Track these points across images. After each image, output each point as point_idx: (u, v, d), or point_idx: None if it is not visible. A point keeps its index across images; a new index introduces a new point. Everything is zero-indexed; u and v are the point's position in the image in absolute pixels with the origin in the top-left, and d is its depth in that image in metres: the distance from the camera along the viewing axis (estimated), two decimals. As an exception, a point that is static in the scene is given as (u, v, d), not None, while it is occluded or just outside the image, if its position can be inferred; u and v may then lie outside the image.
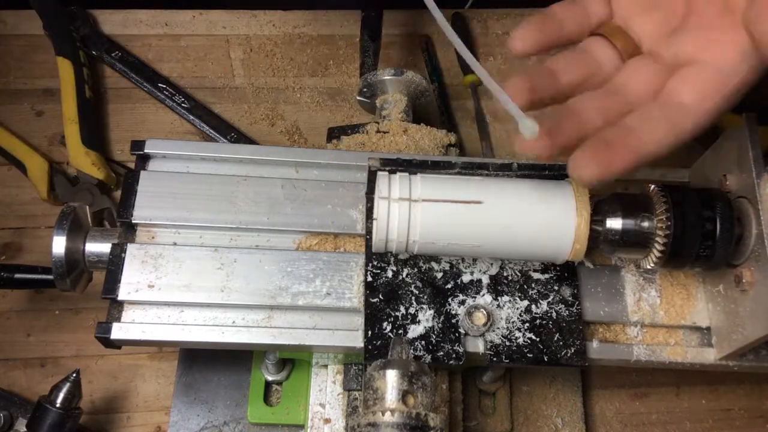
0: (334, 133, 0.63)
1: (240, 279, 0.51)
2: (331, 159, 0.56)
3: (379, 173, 0.50)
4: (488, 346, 0.49)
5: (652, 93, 0.43)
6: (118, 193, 0.68)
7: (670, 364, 0.52)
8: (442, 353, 0.49)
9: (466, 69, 0.77)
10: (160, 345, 0.62)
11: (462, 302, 0.51)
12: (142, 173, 0.54)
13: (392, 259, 0.51)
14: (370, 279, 0.51)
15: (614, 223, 0.47)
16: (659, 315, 0.52)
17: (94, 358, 0.63)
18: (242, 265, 0.51)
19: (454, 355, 0.49)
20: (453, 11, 0.80)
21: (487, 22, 0.81)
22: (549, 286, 0.52)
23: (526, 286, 0.52)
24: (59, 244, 0.50)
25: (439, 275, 0.52)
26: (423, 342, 0.49)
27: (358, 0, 0.76)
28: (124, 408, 0.62)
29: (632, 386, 0.66)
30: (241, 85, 0.75)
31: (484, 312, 0.49)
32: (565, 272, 0.52)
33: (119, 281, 0.50)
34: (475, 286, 0.51)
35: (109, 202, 0.67)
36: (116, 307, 0.50)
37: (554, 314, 0.51)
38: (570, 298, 0.51)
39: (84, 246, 0.52)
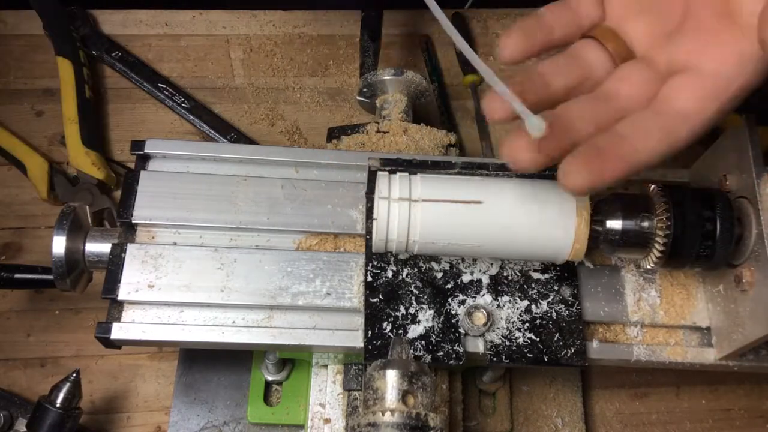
0: (334, 133, 0.63)
1: (240, 279, 0.51)
2: (331, 159, 0.56)
3: (379, 173, 0.50)
4: (488, 346, 0.49)
5: (645, 99, 0.41)
6: (118, 193, 0.68)
7: (670, 364, 0.52)
8: (442, 353, 0.49)
9: (466, 69, 0.77)
10: (160, 345, 0.62)
11: (462, 302, 0.51)
12: (142, 173, 0.54)
13: (392, 259, 0.51)
14: (370, 279, 0.51)
15: (614, 223, 0.47)
16: (659, 315, 0.52)
17: (94, 358, 0.63)
18: (242, 265, 0.51)
19: (454, 355, 0.49)
20: (453, 11, 0.80)
21: (487, 22, 0.81)
22: (549, 286, 0.52)
23: (526, 286, 0.52)
24: (59, 244, 0.50)
25: (439, 275, 0.52)
26: (423, 342, 0.49)
27: (358, 0, 0.76)
28: (124, 408, 0.62)
29: (632, 386, 0.66)
30: (241, 85, 0.75)
31: (484, 312, 0.49)
32: (565, 272, 0.52)
33: (119, 281, 0.50)
34: (475, 286, 0.51)
35: (109, 202, 0.67)
36: (116, 307, 0.50)
37: (554, 314, 0.51)
38: (570, 298, 0.51)
39: (84, 246, 0.52)
